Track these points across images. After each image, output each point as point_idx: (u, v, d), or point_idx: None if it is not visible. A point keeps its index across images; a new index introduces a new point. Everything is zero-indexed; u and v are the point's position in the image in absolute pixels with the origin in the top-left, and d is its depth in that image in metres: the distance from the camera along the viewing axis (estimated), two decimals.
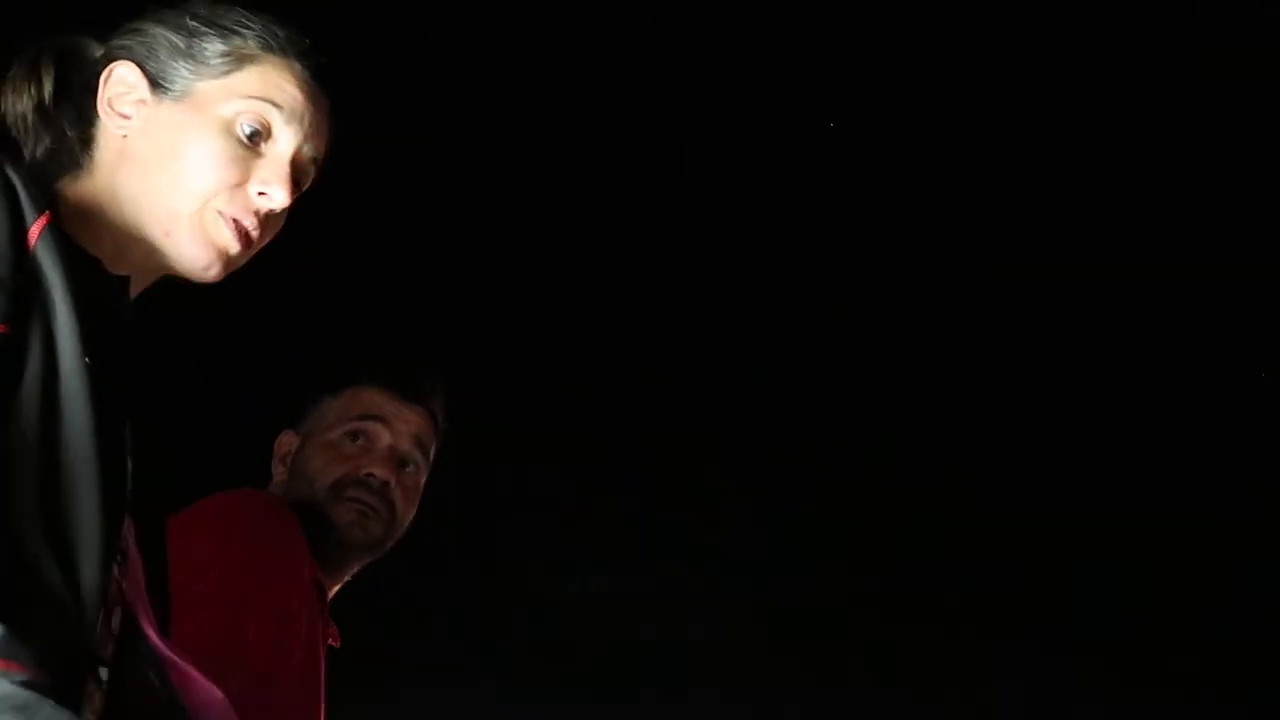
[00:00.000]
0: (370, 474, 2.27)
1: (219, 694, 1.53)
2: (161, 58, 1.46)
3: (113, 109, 1.46)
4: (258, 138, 1.44)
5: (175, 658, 1.40)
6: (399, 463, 2.31)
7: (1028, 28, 3.60)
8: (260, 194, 1.43)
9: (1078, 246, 3.87)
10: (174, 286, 1.50)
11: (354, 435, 2.31)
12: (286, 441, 2.38)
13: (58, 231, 1.32)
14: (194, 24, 1.47)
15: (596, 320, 3.76)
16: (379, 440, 2.30)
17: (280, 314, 3.15)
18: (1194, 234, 3.78)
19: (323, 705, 2.20)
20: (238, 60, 1.46)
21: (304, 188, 1.50)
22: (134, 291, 1.47)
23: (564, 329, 3.74)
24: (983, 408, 3.99)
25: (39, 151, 1.45)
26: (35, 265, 1.29)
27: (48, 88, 1.47)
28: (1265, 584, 4.07)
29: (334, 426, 2.32)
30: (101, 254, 1.41)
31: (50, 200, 1.37)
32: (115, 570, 1.32)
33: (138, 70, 1.46)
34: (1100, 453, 4.03)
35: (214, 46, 1.46)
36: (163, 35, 1.47)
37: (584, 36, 3.55)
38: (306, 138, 1.47)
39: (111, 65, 1.47)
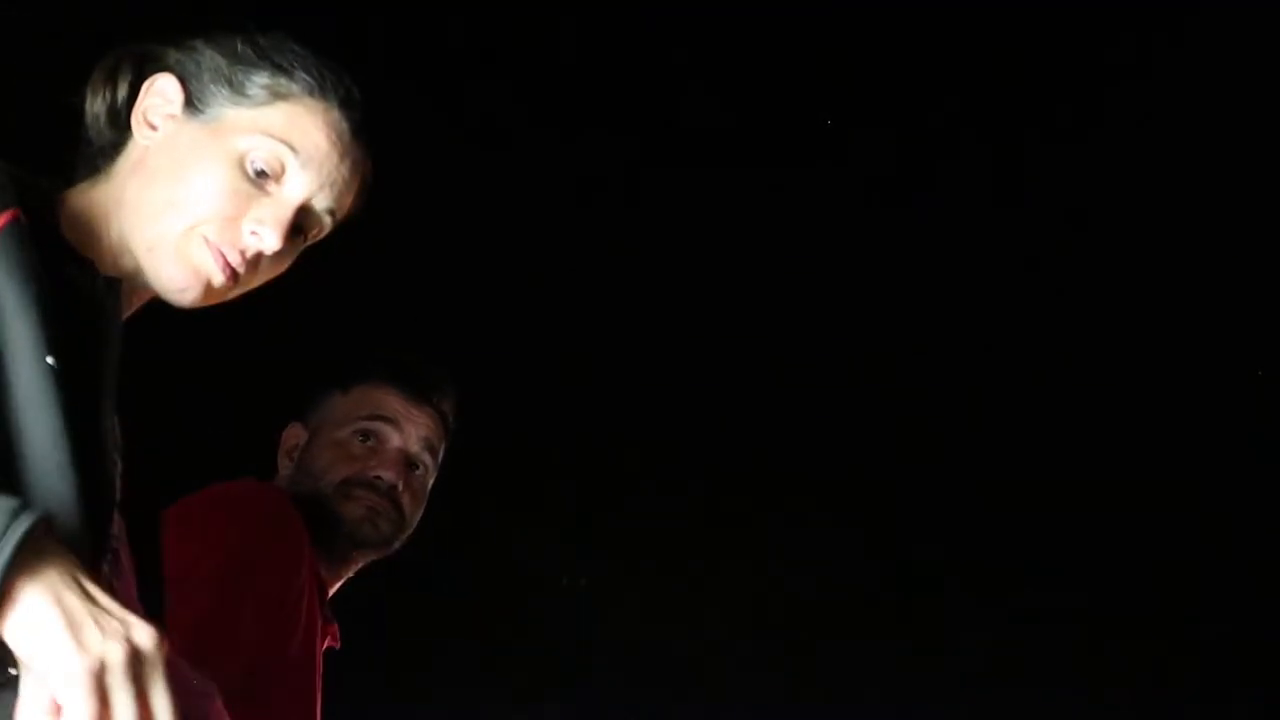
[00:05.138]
0: (378, 476, 2.26)
1: (213, 693, 1.52)
2: (205, 79, 1.45)
3: (145, 119, 1.46)
4: (265, 177, 1.42)
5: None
6: (407, 465, 2.30)
7: None
8: (252, 233, 1.41)
9: None
10: None
11: (363, 435, 2.29)
12: (294, 435, 2.36)
13: (26, 230, 1.28)
14: (247, 51, 1.46)
15: (599, 319, 3.73)
16: (388, 442, 2.28)
17: (292, 305, 3.12)
18: None
19: (319, 699, 2.19)
20: (273, 96, 1.44)
21: (311, 237, 1.48)
22: (134, 305, 1.45)
23: (570, 327, 3.72)
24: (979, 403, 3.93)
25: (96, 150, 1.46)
26: None
27: (122, 92, 1.47)
28: None
29: (343, 425, 2.30)
30: (99, 258, 1.40)
31: (35, 199, 1.35)
32: (105, 569, 1.31)
33: (178, 85, 1.46)
34: None
35: (259, 78, 1.45)
36: (211, 57, 1.47)
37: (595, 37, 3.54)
38: (321, 187, 1.44)
39: (155, 76, 1.47)
